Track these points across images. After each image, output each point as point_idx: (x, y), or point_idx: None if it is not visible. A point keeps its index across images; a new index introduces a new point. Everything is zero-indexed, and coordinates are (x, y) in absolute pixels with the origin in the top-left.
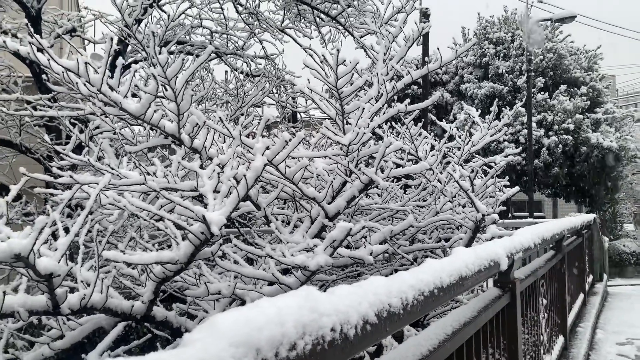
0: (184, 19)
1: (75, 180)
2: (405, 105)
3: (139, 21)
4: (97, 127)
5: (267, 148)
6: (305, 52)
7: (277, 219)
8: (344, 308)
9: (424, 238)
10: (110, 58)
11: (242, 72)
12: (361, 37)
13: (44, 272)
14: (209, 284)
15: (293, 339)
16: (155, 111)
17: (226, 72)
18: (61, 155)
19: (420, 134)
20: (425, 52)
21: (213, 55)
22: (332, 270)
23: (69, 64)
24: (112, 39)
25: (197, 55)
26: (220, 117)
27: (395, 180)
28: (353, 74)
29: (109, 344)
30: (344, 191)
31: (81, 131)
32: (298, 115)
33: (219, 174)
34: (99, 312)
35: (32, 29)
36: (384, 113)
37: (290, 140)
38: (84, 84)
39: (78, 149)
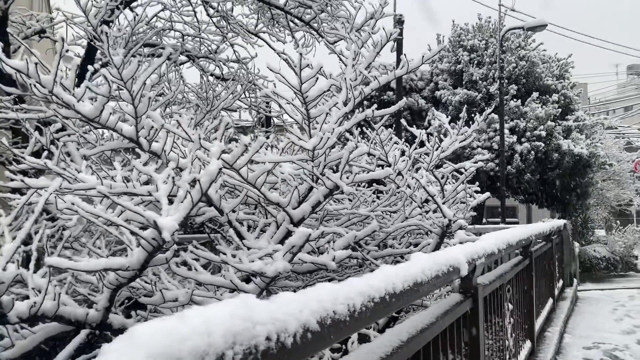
0: (155, 21)
1: (26, 184)
2: (373, 110)
3: (106, 23)
4: (63, 130)
5: (224, 152)
6: (279, 56)
7: (242, 225)
8: (282, 316)
9: (393, 243)
10: (60, 59)
11: (212, 76)
12: (334, 42)
13: None
14: (166, 290)
15: (220, 350)
16: (111, 113)
17: (201, 76)
18: (19, 158)
19: (390, 139)
20: (399, 59)
21: (185, 58)
22: (298, 276)
23: (18, 64)
24: (63, 39)
25: (168, 59)
26: (177, 120)
27: (367, 185)
28: (318, 78)
29: (70, 352)
30: (310, 196)
31: (42, 134)
32: (272, 120)
33: (173, 178)
34: (51, 320)
35: None
36: (354, 117)
37: (250, 144)
38: (35, 86)
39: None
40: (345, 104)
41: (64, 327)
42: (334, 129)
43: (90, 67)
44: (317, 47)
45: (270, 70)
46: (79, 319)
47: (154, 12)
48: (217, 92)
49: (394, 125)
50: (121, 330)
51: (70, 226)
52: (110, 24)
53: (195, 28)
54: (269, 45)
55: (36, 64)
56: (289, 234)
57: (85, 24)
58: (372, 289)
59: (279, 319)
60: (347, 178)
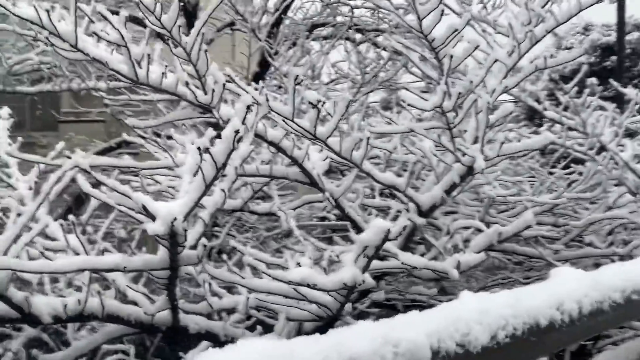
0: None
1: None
2: (545, 58)
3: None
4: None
5: (249, 108)
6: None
7: (370, 213)
8: None
9: (592, 240)
10: (77, 3)
11: (379, 48)
12: None
13: None
14: (218, 297)
15: None
16: (164, 74)
17: (382, 50)
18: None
19: (588, 105)
20: (621, 15)
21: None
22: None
23: (26, 12)
24: None
25: (331, 37)
26: (229, 76)
27: (564, 167)
28: (443, 11)
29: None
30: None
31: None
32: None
33: (204, 149)
34: (102, 320)
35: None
36: (523, 71)
37: (321, 102)
38: (47, 38)
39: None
40: (510, 55)
41: (127, 329)
42: (482, 81)
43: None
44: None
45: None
46: (142, 320)
47: None
48: (371, 63)
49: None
50: (202, 335)
51: None
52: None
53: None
54: (453, 11)
55: (47, 10)
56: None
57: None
58: None
59: None
60: (490, 150)
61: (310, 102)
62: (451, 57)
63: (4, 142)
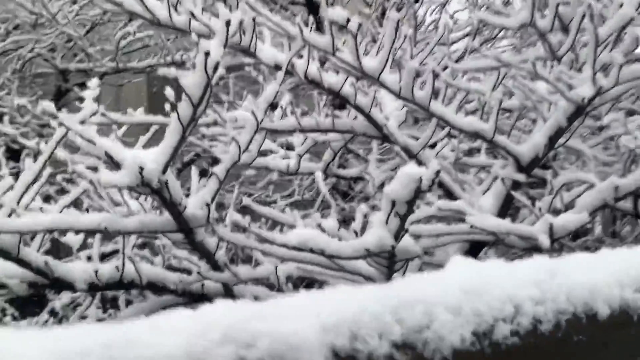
0: None
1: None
2: None
3: None
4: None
5: (228, 24)
6: None
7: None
8: None
9: None
10: None
11: None
12: None
13: None
14: (243, 266)
15: None
16: (194, 14)
17: None
18: None
19: None
20: None
21: None
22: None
23: None
24: None
25: None
26: (250, 5)
27: None
28: None
29: None
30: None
31: None
32: None
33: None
34: (143, 288)
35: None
36: None
37: (350, 21)
38: None
39: None
40: None
41: (176, 298)
42: None
43: None
44: None
45: None
46: (190, 289)
47: None
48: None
49: None
50: None
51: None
52: None
53: None
54: None
55: None
56: (516, 187)
57: None
58: None
59: None
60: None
61: (333, 22)
62: None
63: (89, 112)
